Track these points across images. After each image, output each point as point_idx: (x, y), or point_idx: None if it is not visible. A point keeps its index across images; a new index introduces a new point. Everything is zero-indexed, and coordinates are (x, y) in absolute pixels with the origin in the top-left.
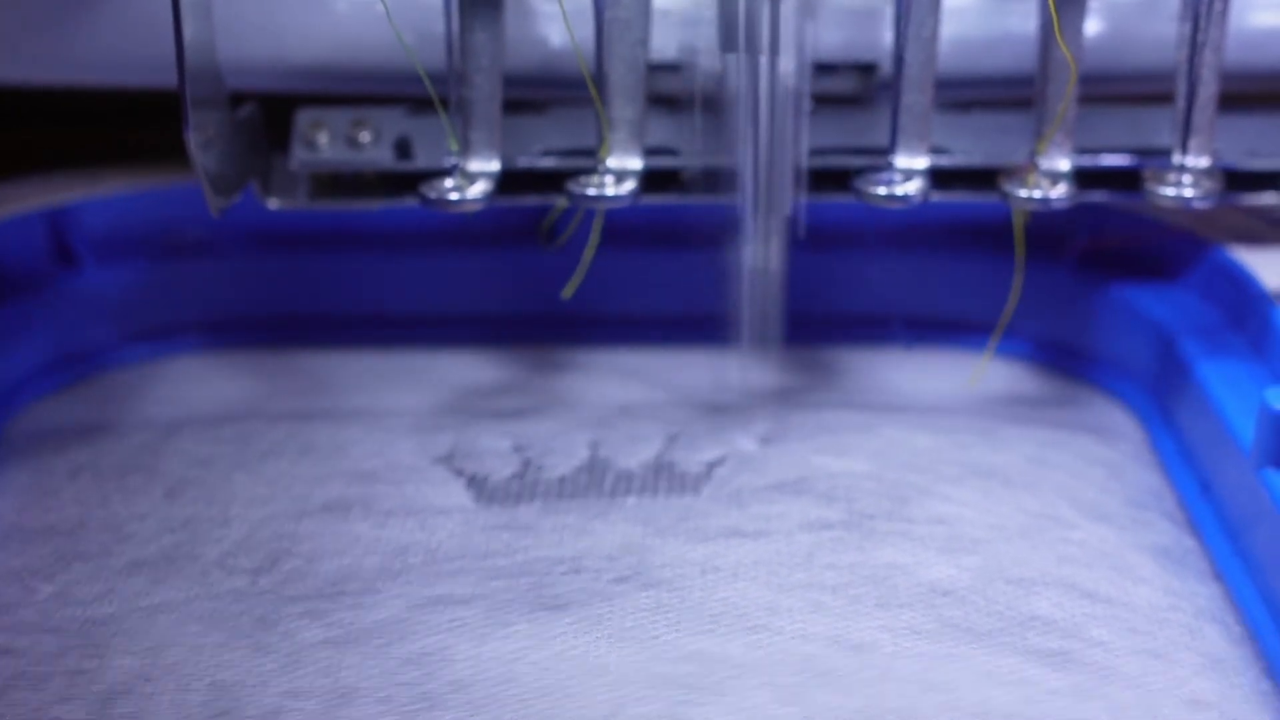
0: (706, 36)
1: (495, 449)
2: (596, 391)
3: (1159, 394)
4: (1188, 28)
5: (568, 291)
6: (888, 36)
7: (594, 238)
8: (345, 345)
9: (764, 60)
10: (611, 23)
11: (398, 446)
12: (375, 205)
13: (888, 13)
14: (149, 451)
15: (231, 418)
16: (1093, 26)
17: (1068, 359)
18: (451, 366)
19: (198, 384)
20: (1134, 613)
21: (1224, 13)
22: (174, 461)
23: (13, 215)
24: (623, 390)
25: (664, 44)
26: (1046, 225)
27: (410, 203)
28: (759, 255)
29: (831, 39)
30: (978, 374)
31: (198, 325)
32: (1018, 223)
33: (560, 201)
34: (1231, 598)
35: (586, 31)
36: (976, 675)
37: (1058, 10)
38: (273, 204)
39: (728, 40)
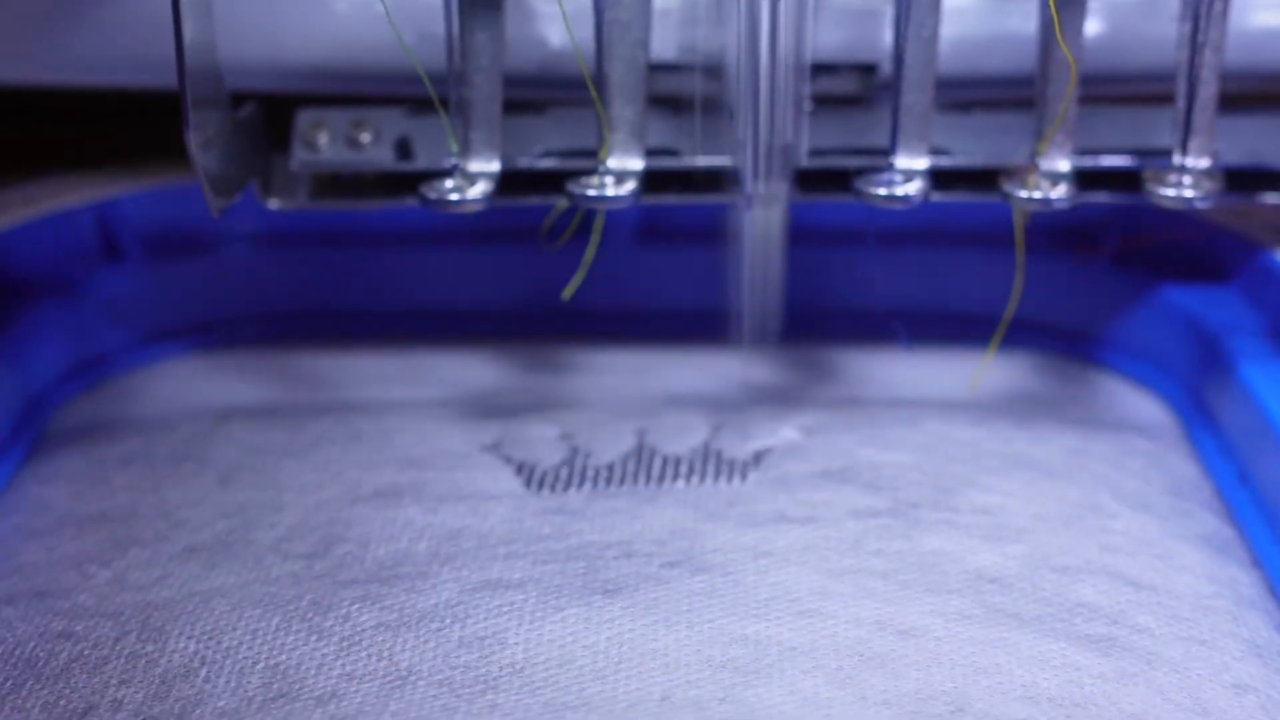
0: (706, 37)
1: (542, 437)
2: (639, 384)
3: (1197, 389)
4: (1188, 28)
5: (568, 292)
6: (888, 36)
7: (594, 238)
8: (385, 340)
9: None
10: (611, 23)
11: (445, 435)
12: (375, 205)
13: (888, 13)
14: (200, 440)
15: (278, 409)
16: (1093, 27)
17: (1105, 355)
18: (489, 361)
19: (239, 377)
20: (1177, 600)
21: (1224, 13)
22: (225, 450)
23: (57, 210)
24: (665, 382)
25: (664, 44)
26: (1086, 223)
27: (410, 203)
28: (761, 201)
29: (831, 39)
30: (979, 375)
31: (235, 320)
32: (1018, 223)
33: (560, 202)
34: (1272, 585)
35: (586, 32)
36: (1024, 659)
37: (1058, 10)
38: (273, 204)
39: None
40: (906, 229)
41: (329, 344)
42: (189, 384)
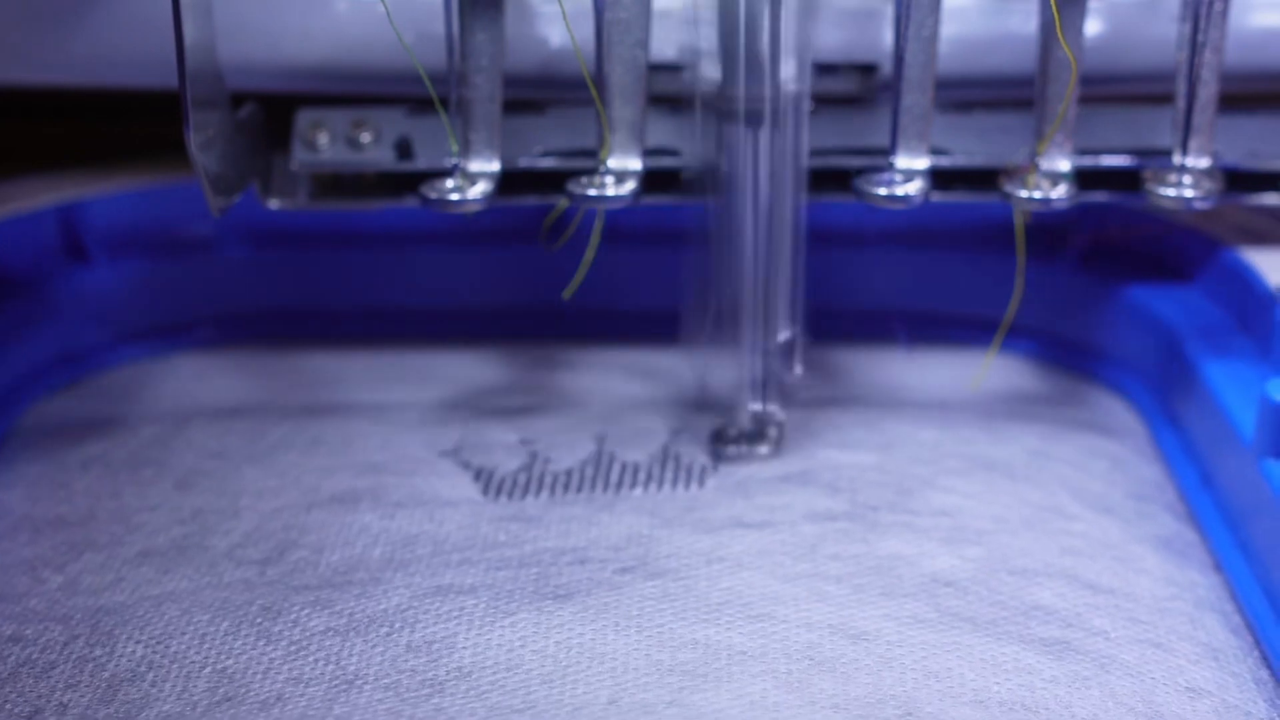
0: (706, 37)
1: (502, 442)
2: (602, 388)
3: (1162, 390)
4: (1188, 28)
5: (568, 292)
6: (888, 37)
7: (594, 238)
8: (351, 342)
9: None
10: (611, 24)
11: (405, 440)
12: (375, 205)
13: (888, 13)
14: (159, 444)
15: (240, 412)
16: (1093, 27)
17: (1071, 356)
18: (456, 363)
19: (205, 379)
20: (1135, 603)
21: (1224, 13)
22: (184, 454)
23: (23, 212)
24: (627, 386)
25: (664, 44)
26: (1052, 223)
27: (410, 203)
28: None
29: (831, 39)
30: (980, 376)
31: (204, 321)
32: (1018, 223)
33: (560, 202)
34: (1231, 588)
35: (586, 32)
36: (977, 663)
37: (1058, 10)
38: (273, 204)
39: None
40: (891, 229)
41: (295, 345)
42: (153, 387)
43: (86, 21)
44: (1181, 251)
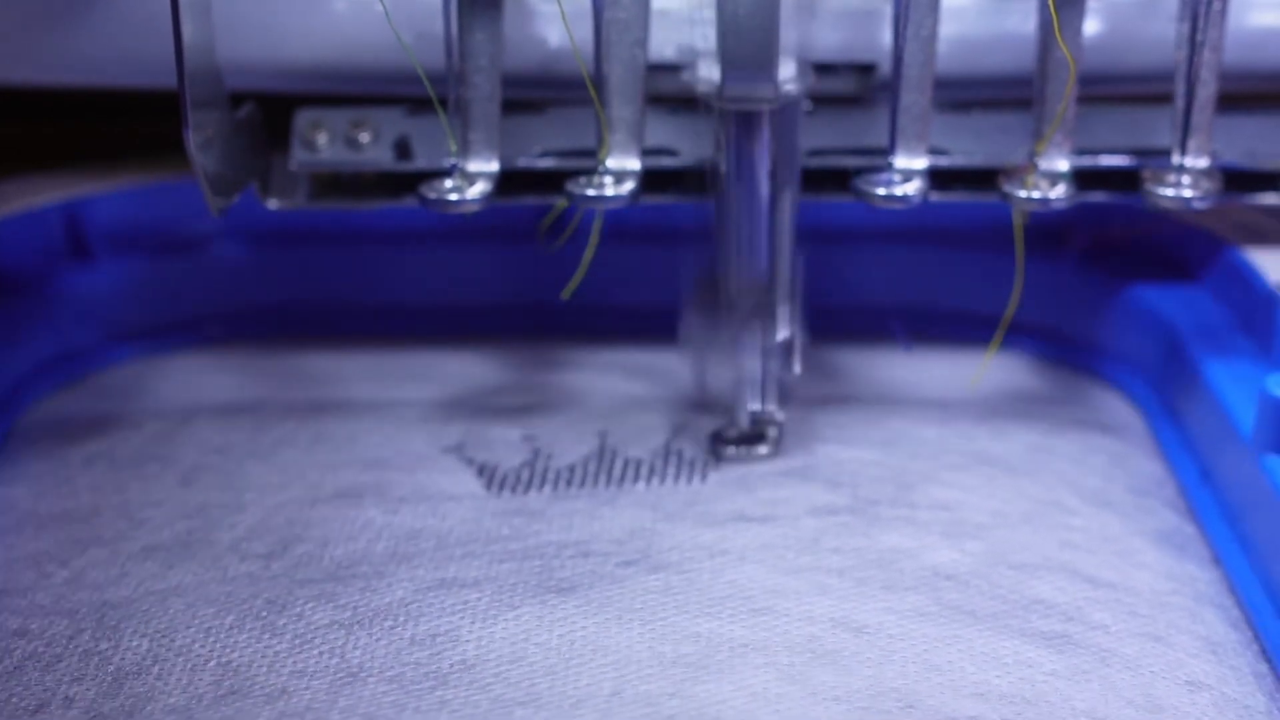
0: (706, 37)
1: (505, 439)
2: (603, 386)
3: (1161, 387)
4: (1187, 28)
5: (566, 292)
6: (887, 36)
7: (594, 238)
8: (353, 340)
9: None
10: (610, 23)
11: (408, 436)
12: (375, 205)
13: (887, 13)
14: (163, 441)
15: (243, 409)
16: (1092, 26)
17: (1071, 353)
18: (458, 361)
19: (207, 377)
20: (1135, 596)
21: (1223, 13)
22: (188, 450)
23: (25, 209)
24: (628, 385)
25: (663, 44)
26: (1055, 221)
27: (409, 203)
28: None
29: (831, 39)
30: (978, 375)
31: (205, 320)
32: (1017, 223)
33: (560, 202)
34: (1230, 583)
35: (586, 32)
36: (977, 656)
37: (1057, 10)
38: (272, 204)
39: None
40: (893, 228)
41: (298, 343)
42: (155, 384)
43: (86, 22)
44: (1183, 249)
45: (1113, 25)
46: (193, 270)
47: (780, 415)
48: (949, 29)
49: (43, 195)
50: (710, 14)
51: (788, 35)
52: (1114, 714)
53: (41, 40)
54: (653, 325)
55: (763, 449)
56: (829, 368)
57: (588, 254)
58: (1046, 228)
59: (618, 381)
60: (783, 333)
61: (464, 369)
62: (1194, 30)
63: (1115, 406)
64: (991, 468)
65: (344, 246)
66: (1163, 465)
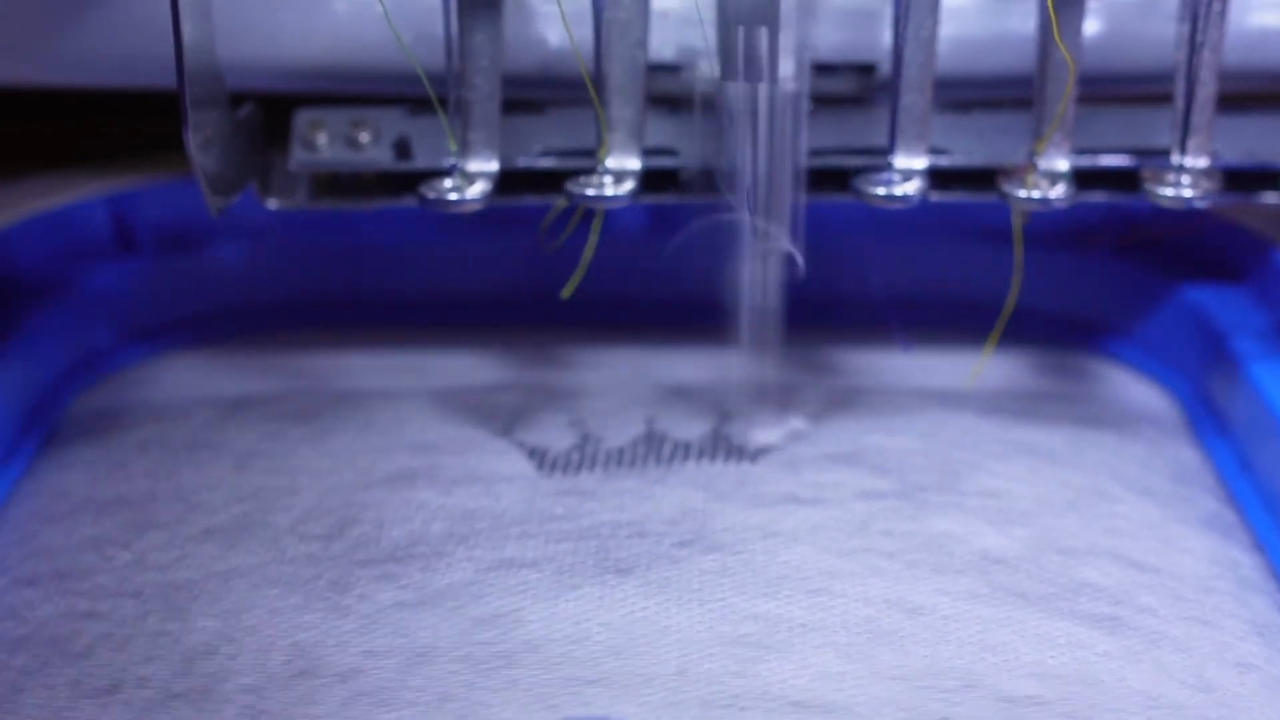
0: (705, 37)
1: (553, 423)
2: (651, 373)
3: (1199, 378)
4: (1187, 28)
5: (566, 292)
6: (887, 37)
7: (593, 238)
8: (393, 328)
9: (763, 87)
10: (610, 23)
11: (456, 422)
12: (375, 206)
13: (887, 13)
14: (214, 428)
15: (290, 397)
16: (1092, 26)
17: (1107, 345)
18: (502, 349)
19: (252, 368)
20: (1180, 581)
21: (1223, 13)
22: (239, 436)
23: (68, 203)
24: (677, 371)
25: (662, 45)
26: (1090, 217)
27: (409, 203)
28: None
29: (831, 39)
30: (977, 370)
31: (247, 312)
32: (1016, 224)
33: (559, 201)
34: (1273, 567)
35: (585, 32)
36: (1031, 638)
37: (1057, 10)
38: (272, 204)
39: (727, 69)
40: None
41: (339, 337)
42: (200, 375)
43: (86, 22)
44: (1223, 246)
45: (1113, 25)
46: (231, 264)
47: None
48: (949, 29)
49: (81, 190)
50: (710, 14)
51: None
52: (1168, 694)
53: (41, 40)
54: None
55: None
56: (868, 362)
57: (587, 253)
58: (1083, 224)
59: (666, 368)
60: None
61: (504, 359)
62: (1194, 30)
63: (1151, 397)
64: (1033, 456)
65: (381, 238)
66: (1201, 454)
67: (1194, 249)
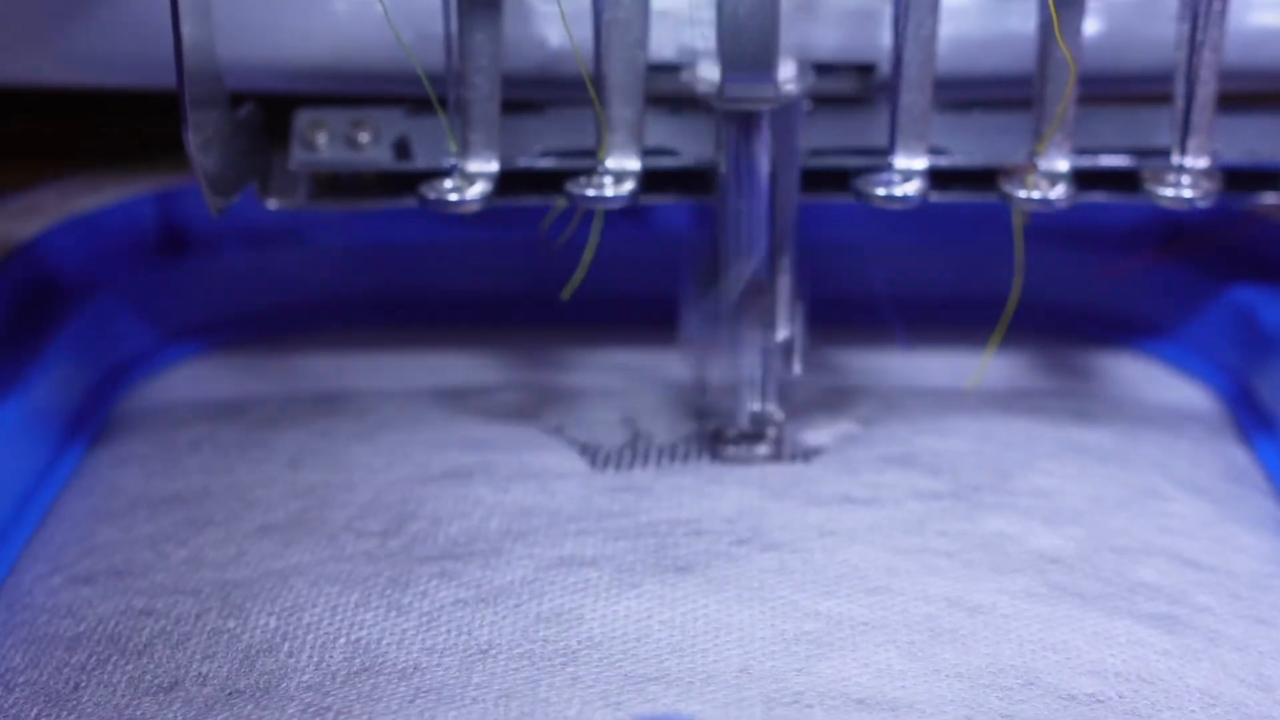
0: (706, 37)
1: (604, 420)
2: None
3: (1245, 377)
4: (1187, 28)
5: (566, 292)
6: (887, 36)
7: (593, 238)
8: (435, 326)
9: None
10: (610, 24)
11: (507, 419)
12: (375, 206)
13: (887, 13)
14: (266, 425)
15: (341, 396)
16: (1092, 26)
17: (1153, 344)
18: (549, 348)
19: (303, 365)
20: (1236, 580)
21: (1223, 13)
22: (292, 434)
23: (124, 199)
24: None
25: (663, 45)
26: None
27: (409, 203)
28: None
29: (831, 39)
30: (977, 375)
31: (298, 310)
32: (1017, 224)
33: (559, 202)
34: None
35: (585, 32)
36: (1090, 636)
37: (1057, 10)
38: (272, 204)
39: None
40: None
41: (390, 332)
42: (252, 373)
43: (86, 22)
44: (1267, 246)
45: (1113, 25)
46: (279, 264)
47: (780, 415)
48: (949, 29)
49: (127, 188)
50: (710, 14)
51: (788, 35)
52: (1227, 692)
53: (42, 40)
54: None
55: (762, 449)
56: (921, 364)
57: (587, 254)
58: (1126, 225)
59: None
60: (783, 333)
61: (555, 356)
62: (1194, 30)
63: (1196, 396)
64: (1083, 456)
65: (427, 235)
66: (1249, 454)
67: (1238, 248)
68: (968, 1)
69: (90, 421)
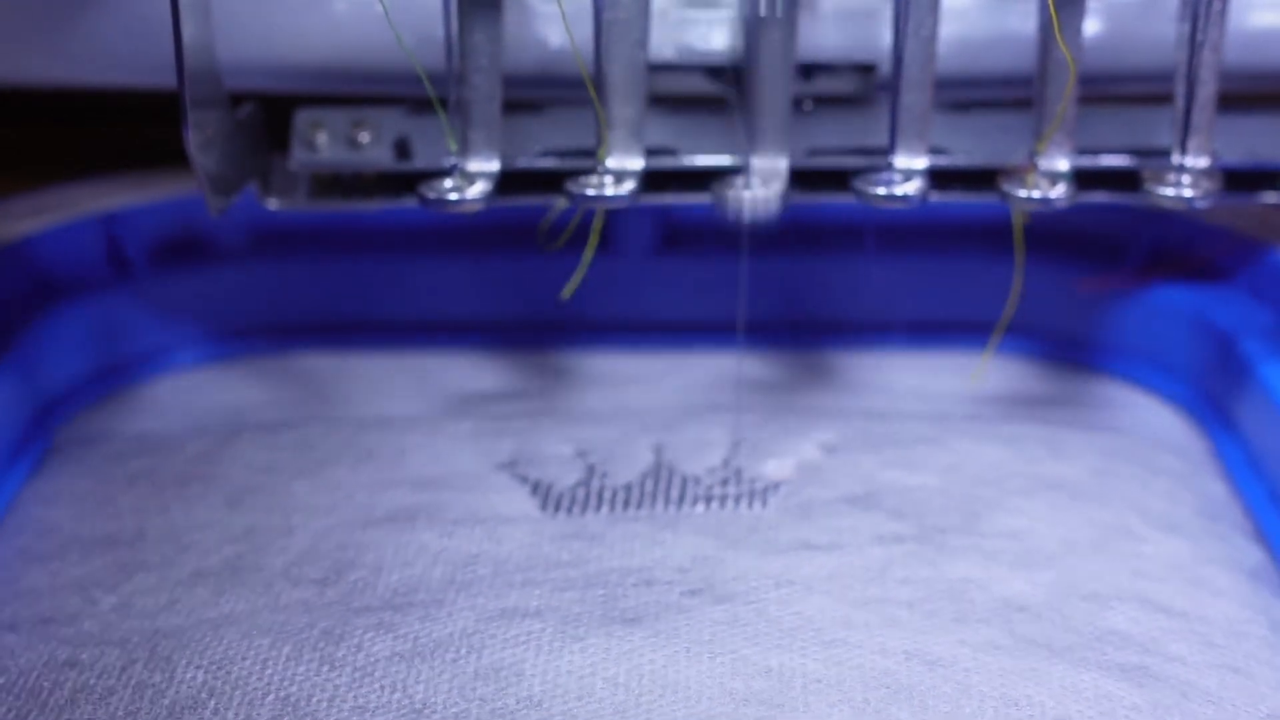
0: (704, 37)
1: (557, 454)
2: (657, 397)
3: (1218, 399)
4: (1187, 28)
5: (566, 292)
6: (887, 36)
7: (593, 238)
8: (396, 351)
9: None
10: (610, 23)
11: (459, 453)
12: (375, 206)
13: (887, 13)
14: (207, 460)
15: (287, 425)
16: (1092, 26)
17: (1125, 367)
18: (504, 371)
19: (249, 390)
20: (1210, 627)
21: (1223, 13)
22: (233, 469)
23: (64, 221)
24: (683, 396)
25: (663, 45)
26: (1102, 229)
27: (409, 203)
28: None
29: (831, 39)
30: (979, 373)
31: (244, 331)
32: (1017, 224)
33: (559, 202)
34: None
35: (586, 32)
36: (1056, 691)
37: (1057, 10)
38: (272, 204)
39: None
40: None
41: (339, 354)
42: (197, 396)
43: (86, 22)
44: (1223, 253)
45: (1113, 25)
46: (229, 281)
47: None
48: (949, 29)
49: (78, 206)
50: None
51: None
52: None
53: (42, 40)
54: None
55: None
56: (882, 382)
57: (587, 254)
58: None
59: (671, 392)
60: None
61: (508, 379)
62: (1194, 30)
63: (1174, 424)
64: (1057, 492)
65: (382, 255)
66: (1227, 486)
67: (1179, 252)
68: (968, 1)
69: (27, 452)
